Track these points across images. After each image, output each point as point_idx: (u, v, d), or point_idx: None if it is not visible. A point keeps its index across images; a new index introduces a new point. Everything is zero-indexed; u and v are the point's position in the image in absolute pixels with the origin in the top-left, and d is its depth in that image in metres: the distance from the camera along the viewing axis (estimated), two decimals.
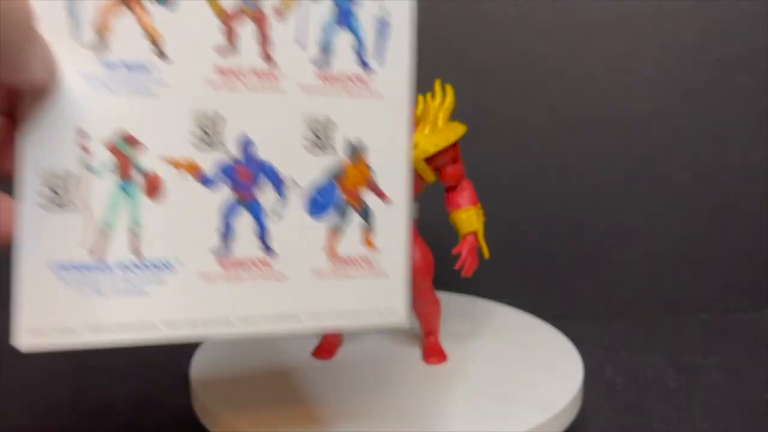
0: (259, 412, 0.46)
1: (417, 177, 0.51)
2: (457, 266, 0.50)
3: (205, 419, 0.48)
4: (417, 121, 0.51)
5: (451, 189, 0.53)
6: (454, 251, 0.50)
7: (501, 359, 0.54)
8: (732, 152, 0.75)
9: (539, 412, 0.46)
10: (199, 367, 0.52)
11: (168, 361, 0.66)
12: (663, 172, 0.76)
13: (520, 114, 0.75)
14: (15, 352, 0.72)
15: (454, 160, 0.52)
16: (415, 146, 0.50)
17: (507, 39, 0.73)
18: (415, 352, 0.55)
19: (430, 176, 0.51)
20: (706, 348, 0.69)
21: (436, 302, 0.54)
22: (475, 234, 0.51)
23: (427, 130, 0.50)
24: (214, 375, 0.51)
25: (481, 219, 0.52)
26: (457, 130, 0.51)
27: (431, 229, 0.73)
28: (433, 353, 0.54)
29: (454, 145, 0.51)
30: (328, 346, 0.55)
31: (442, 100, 0.51)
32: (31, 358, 0.67)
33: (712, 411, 0.57)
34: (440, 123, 0.51)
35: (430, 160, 0.51)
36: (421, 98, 0.52)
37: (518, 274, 0.77)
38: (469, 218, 0.51)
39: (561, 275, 0.77)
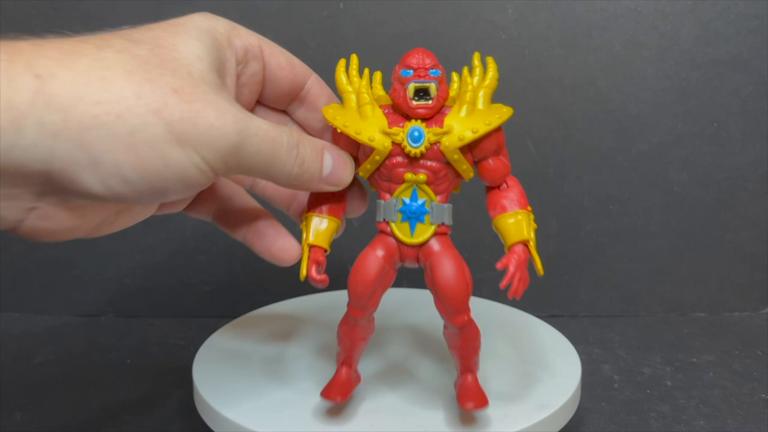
0: (261, 411, 0.46)
1: (451, 172, 0.42)
2: (502, 284, 0.40)
3: (207, 418, 0.48)
4: (451, 102, 0.43)
5: (494, 188, 0.44)
6: (499, 265, 0.41)
7: (499, 358, 0.54)
8: (728, 152, 0.76)
9: (537, 410, 0.46)
10: (201, 365, 0.52)
11: (170, 360, 0.66)
12: (660, 172, 0.76)
13: (518, 115, 0.75)
14: (15, 352, 0.72)
15: (498, 151, 0.42)
16: (448, 131, 0.40)
17: (505, 41, 0.74)
18: (414, 349, 0.55)
19: (467, 171, 0.42)
20: (703, 347, 0.69)
21: (476, 330, 0.43)
22: (525, 244, 0.41)
23: (463, 112, 0.41)
24: (216, 373, 0.51)
25: (533, 226, 0.42)
26: (503, 113, 0.41)
27: None
28: (471, 396, 0.43)
29: (498, 131, 0.42)
30: (339, 386, 0.45)
31: (483, 75, 0.42)
32: (35, 356, 0.67)
33: (709, 409, 0.57)
34: (481, 103, 0.41)
35: (467, 150, 0.42)
36: (455, 75, 0.44)
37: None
38: (517, 224, 0.42)
39: (559, 275, 0.78)
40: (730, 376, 0.63)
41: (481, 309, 0.64)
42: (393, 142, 0.41)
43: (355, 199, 0.46)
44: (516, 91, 0.74)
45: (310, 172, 0.40)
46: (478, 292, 0.70)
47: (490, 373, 0.52)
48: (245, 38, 0.43)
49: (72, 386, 0.61)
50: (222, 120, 0.35)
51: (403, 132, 0.41)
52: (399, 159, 0.41)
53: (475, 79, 0.42)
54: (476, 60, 0.42)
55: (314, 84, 0.47)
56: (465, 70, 0.42)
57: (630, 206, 0.76)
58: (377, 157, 0.41)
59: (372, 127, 0.41)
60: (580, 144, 0.75)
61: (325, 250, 0.43)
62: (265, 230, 0.47)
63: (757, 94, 0.74)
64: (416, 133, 0.40)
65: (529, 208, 0.43)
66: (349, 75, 0.44)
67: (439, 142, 0.40)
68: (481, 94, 0.41)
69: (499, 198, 0.43)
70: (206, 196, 0.48)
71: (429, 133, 0.40)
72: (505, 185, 0.43)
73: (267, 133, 0.37)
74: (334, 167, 0.42)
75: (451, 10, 0.73)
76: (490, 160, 0.42)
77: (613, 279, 0.78)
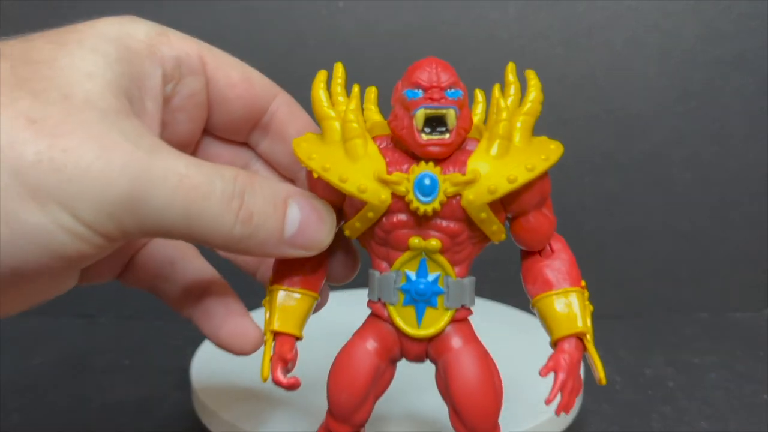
0: (259, 412, 0.46)
1: (475, 235, 0.30)
2: (548, 400, 0.30)
3: (205, 419, 0.48)
4: (476, 133, 0.31)
5: (533, 253, 0.33)
6: (544, 372, 0.30)
7: (501, 359, 0.53)
8: (731, 152, 0.75)
9: (539, 411, 0.46)
10: (199, 366, 0.52)
11: (168, 361, 0.66)
12: (662, 172, 0.76)
13: None
14: (13, 353, 0.72)
15: (542, 204, 0.32)
16: (473, 180, 0.28)
17: (506, 40, 0.73)
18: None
19: (498, 233, 0.30)
20: (705, 348, 0.69)
21: None
22: (579, 339, 0.31)
23: (494, 150, 0.29)
24: (214, 375, 0.51)
25: (589, 308, 0.32)
26: (550, 152, 0.30)
27: None
28: None
29: (544, 176, 0.31)
30: None
31: (521, 97, 0.31)
32: (33, 357, 0.67)
33: (711, 411, 0.57)
34: (518, 137, 0.30)
35: (499, 204, 0.30)
36: (480, 94, 0.33)
37: (519, 275, 0.77)
38: (568, 310, 0.31)
39: None
40: (733, 377, 0.63)
41: (482, 310, 0.64)
42: (393, 194, 0.29)
43: (339, 263, 0.34)
44: None
45: (263, 232, 0.29)
46: (480, 293, 0.70)
47: None
48: (178, 47, 0.32)
49: (70, 387, 0.61)
50: (106, 161, 0.25)
51: (408, 180, 0.29)
52: (401, 217, 0.29)
53: (509, 100, 0.30)
54: (511, 74, 0.31)
55: (281, 106, 0.36)
56: (496, 89, 0.30)
57: (632, 206, 0.76)
58: (370, 214, 0.29)
59: (363, 172, 0.29)
60: (581, 143, 0.75)
61: (297, 338, 0.32)
62: (213, 308, 0.36)
63: (760, 94, 0.74)
64: (427, 182, 0.28)
65: (583, 282, 0.32)
66: (331, 94, 0.31)
67: (460, 195, 0.29)
68: (519, 124, 0.30)
69: (541, 268, 0.32)
70: (140, 260, 0.37)
71: (445, 183, 0.28)
72: (548, 249, 0.32)
73: (185, 178, 0.27)
74: (302, 225, 0.30)
75: (451, 8, 0.73)
76: (530, 217, 0.31)
77: (614, 279, 0.77)
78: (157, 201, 0.26)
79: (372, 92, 0.33)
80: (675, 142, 0.75)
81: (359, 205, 0.29)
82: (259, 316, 0.36)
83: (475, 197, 0.28)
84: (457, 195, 0.29)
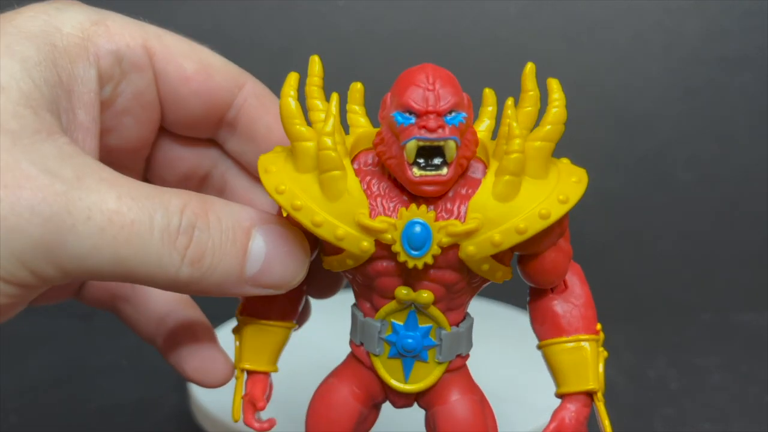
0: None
1: (475, 281, 0.27)
2: None
3: (202, 421, 0.47)
4: (481, 153, 0.26)
5: (544, 293, 0.28)
6: None
7: (502, 360, 0.53)
8: (734, 152, 0.75)
9: (540, 413, 0.45)
10: None
11: (166, 363, 0.66)
12: (664, 172, 0.75)
13: None
14: (9, 354, 0.72)
15: (559, 237, 0.26)
16: (475, 230, 0.24)
17: (507, 37, 0.73)
18: None
19: (504, 276, 0.26)
20: (708, 349, 0.69)
21: None
22: (589, 397, 0.27)
23: (501, 191, 0.24)
24: None
25: (604, 355, 0.28)
26: (571, 187, 0.24)
27: None
28: None
29: (563, 217, 0.25)
30: None
31: (540, 108, 0.26)
32: (30, 358, 0.67)
33: (714, 412, 0.57)
34: (533, 169, 0.24)
35: (507, 252, 0.25)
36: (490, 94, 0.28)
37: (520, 275, 0.77)
38: (579, 361, 0.27)
39: None
40: (736, 379, 0.62)
41: (484, 311, 0.63)
42: (377, 242, 0.24)
43: (321, 277, 0.29)
44: (517, 89, 0.74)
45: (218, 272, 0.24)
46: (479, 293, 0.69)
47: (494, 376, 0.51)
48: (118, 38, 0.27)
49: (67, 388, 0.61)
50: (12, 201, 0.21)
51: (395, 228, 0.24)
52: (387, 264, 0.25)
53: (525, 112, 0.25)
54: (529, 81, 0.25)
55: (249, 98, 0.31)
56: (509, 106, 0.26)
57: (633, 206, 0.76)
58: (350, 261, 0.25)
59: (342, 214, 0.24)
60: (583, 142, 0.75)
61: (271, 373, 0.29)
62: (178, 336, 0.33)
63: (763, 92, 0.74)
64: (418, 230, 0.23)
65: (599, 326, 0.28)
66: (306, 96, 0.26)
67: (458, 245, 0.24)
68: (535, 150, 0.24)
69: (551, 308, 0.28)
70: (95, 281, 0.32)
71: (440, 233, 0.23)
72: (563, 286, 0.28)
73: (116, 215, 0.22)
74: (267, 261, 0.25)
75: (452, 6, 0.72)
76: (543, 257, 0.26)
77: (616, 280, 0.77)
78: (78, 244, 0.22)
79: (357, 91, 0.28)
80: (678, 141, 0.75)
81: (339, 248, 0.25)
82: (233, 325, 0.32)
83: (476, 250, 0.24)
84: (454, 245, 0.24)
